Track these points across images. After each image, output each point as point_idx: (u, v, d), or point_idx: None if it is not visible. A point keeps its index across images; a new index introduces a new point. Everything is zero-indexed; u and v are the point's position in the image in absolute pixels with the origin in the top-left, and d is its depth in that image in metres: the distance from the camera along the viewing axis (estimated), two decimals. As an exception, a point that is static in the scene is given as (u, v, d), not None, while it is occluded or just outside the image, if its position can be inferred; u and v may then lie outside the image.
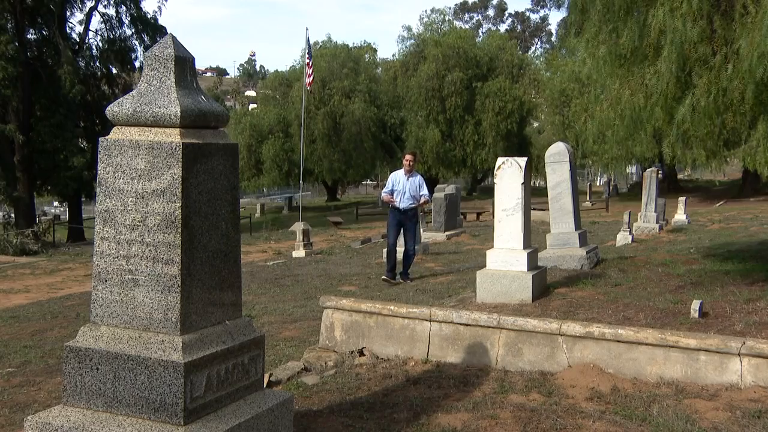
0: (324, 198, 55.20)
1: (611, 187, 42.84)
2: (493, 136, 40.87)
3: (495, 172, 7.80)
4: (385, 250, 11.58)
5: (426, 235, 17.12)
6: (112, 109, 3.44)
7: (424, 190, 10.97)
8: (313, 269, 13.77)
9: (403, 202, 10.77)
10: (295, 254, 17.89)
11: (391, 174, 11.31)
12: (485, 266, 7.77)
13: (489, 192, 41.64)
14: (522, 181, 7.59)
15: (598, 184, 54.65)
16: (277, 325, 8.08)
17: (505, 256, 7.60)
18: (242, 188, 43.50)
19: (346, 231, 27.77)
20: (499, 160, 7.78)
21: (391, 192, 10.88)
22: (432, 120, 41.72)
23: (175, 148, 3.28)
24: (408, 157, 11.04)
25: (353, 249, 18.16)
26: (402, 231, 10.98)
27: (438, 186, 24.67)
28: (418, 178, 10.89)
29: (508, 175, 7.65)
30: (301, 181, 32.91)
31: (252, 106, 64.90)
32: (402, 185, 10.79)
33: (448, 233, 18.10)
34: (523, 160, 7.70)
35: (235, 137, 38.96)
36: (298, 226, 19.04)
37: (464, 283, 9.66)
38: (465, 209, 28.45)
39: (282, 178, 44.47)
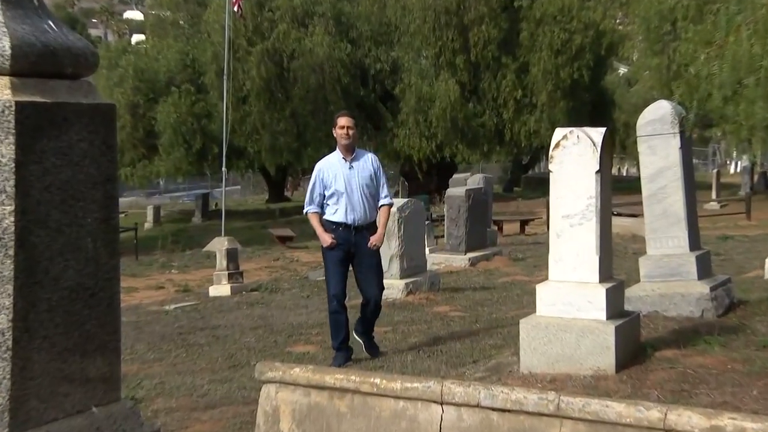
0: (264, 196, 55.38)
1: (756, 177, 42.89)
2: (548, 91, 40.95)
3: (551, 152, 7.83)
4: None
5: (435, 259, 17.17)
6: None
7: (386, 190, 9.71)
8: (243, 317, 13.73)
9: (351, 212, 9.37)
10: (213, 291, 17.90)
11: (317, 165, 9.74)
12: (535, 311, 7.79)
13: (541, 185, 41.74)
14: (597, 167, 7.61)
15: (731, 171, 54.99)
16: (181, 414, 8.06)
17: (569, 295, 7.61)
18: (123, 180, 43.46)
19: (299, 251, 27.76)
20: (559, 133, 7.81)
21: (321, 200, 9.45)
22: (445, 64, 41.87)
23: (4, 111, 3.26)
24: (342, 121, 9.46)
25: (311, 281, 18.13)
26: (353, 267, 9.54)
27: (455, 176, 24.77)
28: (370, 159, 9.62)
29: (575, 158, 7.68)
30: (224, 168, 32.91)
31: (137, 37, 64.92)
32: (343, 179, 9.33)
33: (471, 255, 18.13)
34: (599, 132, 7.72)
35: (108, 92, 38.91)
36: (220, 244, 19.08)
37: (499, 340, 9.71)
38: (500, 214, 28.59)
39: (191, 162, 44.50)
